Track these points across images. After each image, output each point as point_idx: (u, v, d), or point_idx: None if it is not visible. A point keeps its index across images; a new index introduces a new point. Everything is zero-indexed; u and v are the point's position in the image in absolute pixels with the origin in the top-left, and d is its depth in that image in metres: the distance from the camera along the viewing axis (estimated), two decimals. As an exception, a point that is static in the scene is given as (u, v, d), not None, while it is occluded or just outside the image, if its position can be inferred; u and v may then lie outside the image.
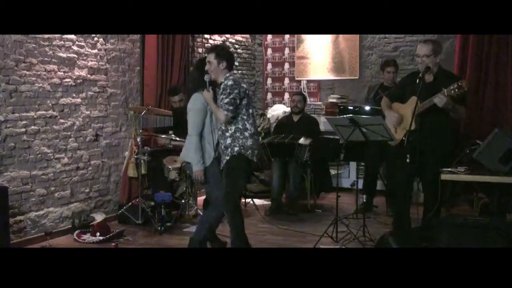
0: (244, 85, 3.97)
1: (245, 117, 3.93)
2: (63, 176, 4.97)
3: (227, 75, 3.95)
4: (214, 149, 4.07)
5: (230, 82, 3.87)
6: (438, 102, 4.00)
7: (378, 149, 5.38)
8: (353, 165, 6.67)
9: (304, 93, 7.49)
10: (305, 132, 5.93)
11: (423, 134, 4.12)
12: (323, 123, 6.43)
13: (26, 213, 4.61)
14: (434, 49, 4.17)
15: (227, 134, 3.93)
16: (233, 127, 3.92)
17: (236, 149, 3.91)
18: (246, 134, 3.92)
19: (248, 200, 6.29)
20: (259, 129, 6.91)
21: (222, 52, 3.97)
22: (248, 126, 3.93)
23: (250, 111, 3.97)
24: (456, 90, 3.90)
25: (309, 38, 7.74)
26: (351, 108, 6.29)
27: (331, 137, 5.78)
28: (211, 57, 3.95)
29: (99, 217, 5.13)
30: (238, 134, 3.91)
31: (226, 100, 3.84)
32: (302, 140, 5.76)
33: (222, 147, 3.98)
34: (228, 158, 3.94)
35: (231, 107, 3.83)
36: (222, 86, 3.91)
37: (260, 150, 4.06)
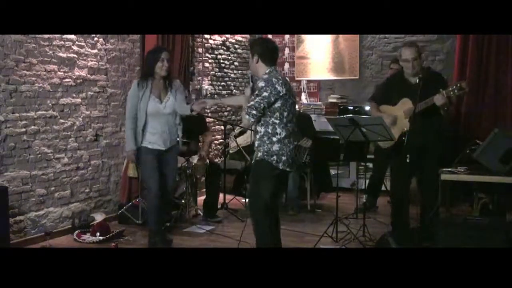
0: (278, 86, 3.55)
1: (277, 121, 3.59)
2: (63, 176, 4.97)
3: (266, 71, 3.65)
4: (140, 137, 4.38)
5: (261, 83, 3.59)
6: (437, 101, 4.03)
7: (385, 150, 5.36)
8: (353, 165, 6.67)
9: (304, 93, 7.51)
10: (300, 130, 5.91)
11: (421, 134, 4.14)
12: (323, 123, 6.43)
13: (26, 213, 4.61)
14: (419, 51, 4.27)
15: (258, 136, 3.70)
16: (262, 130, 3.65)
17: (259, 154, 3.66)
18: (274, 139, 3.60)
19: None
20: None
21: (254, 45, 3.77)
22: (278, 130, 3.59)
23: (285, 114, 3.61)
24: (456, 91, 3.92)
25: (309, 38, 7.74)
26: (351, 108, 6.30)
27: (331, 137, 5.78)
28: (250, 52, 3.81)
29: (99, 217, 5.12)
30: (265, 138, 3.63)
31: (251, 103, 3.56)
32: (302, 142, 5.76)
33: (254, 144, 3.77)
34: (256, 159, 3.72)
35: (253, 111, 3.55)
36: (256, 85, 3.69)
37: (291, 156, 3.68)
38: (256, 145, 3.71)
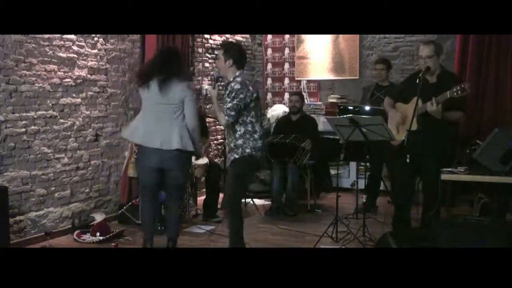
0: (251, 88, 3.85)
1: (253, 119, 3.88)
2: (63, 176, 4.97)
3: (237, 74, 3.89)
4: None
5: (237, 86, 3.81)
6: (428, 108, 4.04)
7: (378, 151, 5.36)
8: (353, 165, 6.67)
9: (304, 93, 7.51)
10: (304, 132, 5.93)
11: (424, 134, 4.13)
12: (323, 123, 6.43)
13: (26, 213, 4.61)
14: (436, 50, 4.22)
15: (237, 134, 3.89)
16: (242, 129, 3.87)
17: (248, 150, 3.86)
18: (256, 136, 3.88)
19: (248, 200, 6.29)
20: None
21: (230, 49, 3.94)
22: (257, 128, 3.89)
23: (258, 113, 3.92)
24: (460, 92, 3.91)
25: (309, 38, 7.74)
26: (351, 108, 6.28)
27: (331, 137, 5.78)
28: (220, 53, 3.96)
29: (99, 217, 5.12)
30: (247, 136, 3.87)
31: (229, 105, 3.79)
32: (305, 145, 5.76)
33: (232, 145, 3.93)
34: (237, 157, 3.89)
35: (232, 113, 3.79)
36: (229, 87, 3.86)
37: (265, 151, 4.07)
38: (240, 142, 3.88)
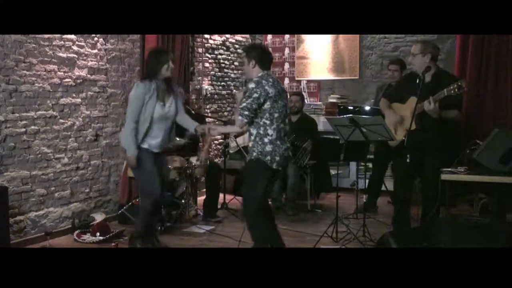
0: (268, 88, 3.72)
1: (267, 121, 3.74)
2: (63, 176, 4.97)
3: (260, 74, 3.82)
4: (139, 140, 4.12)
5: (252, 85, 3.74)
6: (425, 107, 4.04)
7: (385, 149, 5.35)
8: (353, 165, 6.67)
9: (304, 93, 7.51)
10: (304, 132, 5.93)
11: (423, 134, 4.14)
12: (323, 123, 6.43)
13: (26, 213, 4.61)
14: (422, 49, 4.24)
15: (251, 137, 3.83)
16: (254, 131, 3.79)
17: (254, 154, 3.79)
18: (266, 140, 3.75)
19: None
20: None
21: (252, 50, 3.93)
22: (269, 131, 3.75)
23: (276, 115, 3.75)
24: (456, 90, 3.92)
25: (309, 38, 7.74)
26: (351, 108, 6.29)
27: (331, 137, 5.78)
28: (243, 55, 3.97)
29: (99, 217, 5.13)
30: (257, 139, 3.77)
31: (243, 105, 3.71)
32: (306, 145, 5.76)
33: (249, 146, 3.91)
34: (248, 159, 3.89)
35: (246, 112, 3.69)
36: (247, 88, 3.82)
37: (284, 156, 3.83)
38: (251, 145, 3.83)
